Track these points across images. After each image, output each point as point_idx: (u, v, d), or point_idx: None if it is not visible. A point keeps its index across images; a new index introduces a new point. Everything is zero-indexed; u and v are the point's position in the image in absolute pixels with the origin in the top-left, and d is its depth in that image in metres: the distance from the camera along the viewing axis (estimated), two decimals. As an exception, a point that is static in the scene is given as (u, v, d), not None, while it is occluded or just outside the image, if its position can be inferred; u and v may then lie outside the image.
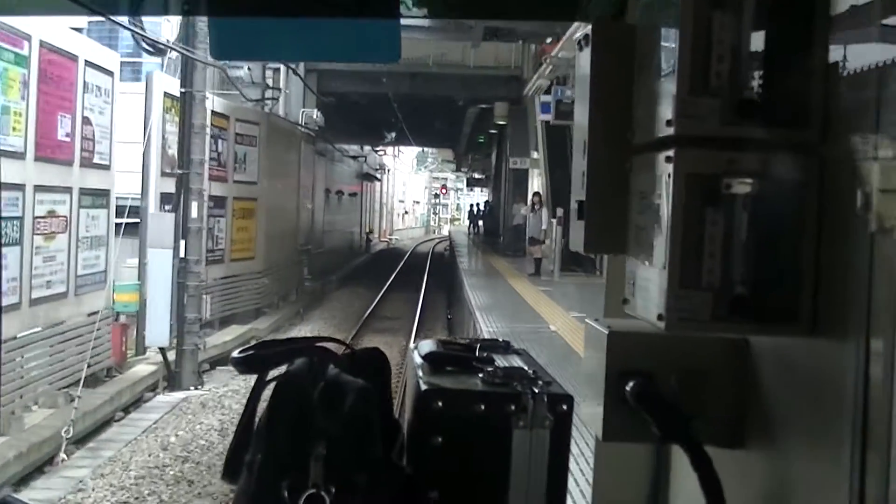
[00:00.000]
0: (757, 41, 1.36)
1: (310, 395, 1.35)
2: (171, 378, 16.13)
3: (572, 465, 1.47)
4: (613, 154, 1.58)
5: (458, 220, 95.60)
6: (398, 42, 1.93)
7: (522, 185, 35.00)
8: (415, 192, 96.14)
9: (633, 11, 1.66)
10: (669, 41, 1.40)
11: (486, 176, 56.76)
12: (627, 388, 1.53)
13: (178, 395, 15.62)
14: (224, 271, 22.75)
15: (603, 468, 1.93)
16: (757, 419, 1.53)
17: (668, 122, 1.37)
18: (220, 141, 22.19)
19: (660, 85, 1.43)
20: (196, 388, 16.11)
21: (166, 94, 17.79)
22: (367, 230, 56.28)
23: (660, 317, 1.38)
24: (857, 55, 1.31)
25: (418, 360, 1.53)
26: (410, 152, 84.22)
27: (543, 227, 24.04)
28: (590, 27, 1.64)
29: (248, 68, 24.56)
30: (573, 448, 1.43)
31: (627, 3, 1.70)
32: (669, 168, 1.36)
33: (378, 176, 61.91)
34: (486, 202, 53.24)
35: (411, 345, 1.67)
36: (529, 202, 27.13)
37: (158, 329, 15.97)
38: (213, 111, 21.68)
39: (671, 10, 1.39)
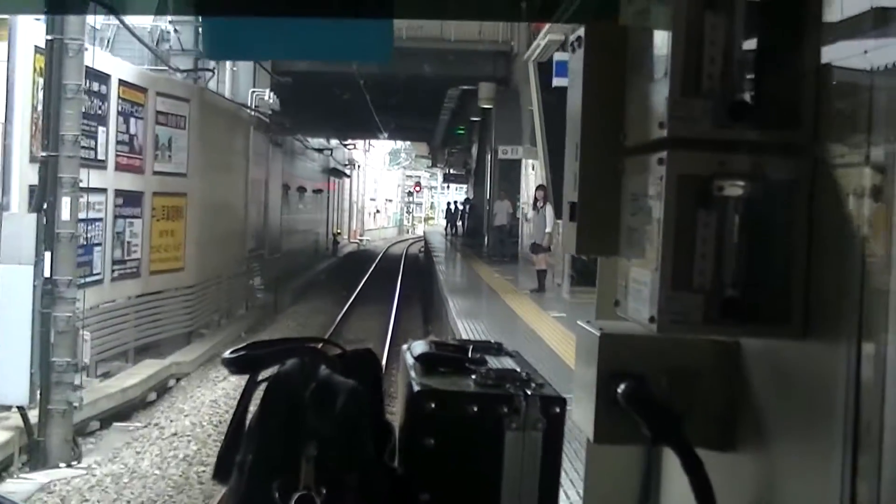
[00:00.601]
0: (749, 43, 1.36)
1: (301, 396, 1.35)
2: (31, 450, 11.25)
3: (565, 465, 1.45)
4: (605, 156, 1.57)
5: (433, 219, 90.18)
6: (390, 41, 2.09)
7: (512, 179, 30.55)
8: (387, 190, 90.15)
9: (626, 13, 1.63)
10: (661, 43, 1.40)
11: (466, 171, 51.41)
12: (619, 391, 1.52)
13: (37, 479, 10.71)
14: (141, 287, 17.94)
15: (594, 470, 1.92)
16: (748, 421, 1.52)
17: (661, 124, 1.37)
18: (133, 120, 17.32)
19: (652, 87, 1.43)
20: (69, 466, 11.24)
21: (39, 50, 12.79)
22: (335, 231, 51.18)
23: (651, 319, 1.38)
24: (849, 57, 1.31)
25: (411, 360, 1.53)
26: (382, 147, 79.37)
27: (548, 229, 19.06)
28: (582, 28, 1.63)
29: (176, 30, 19.60)
30: (565, 450, 1.43)
31: (620, 5, 1.66)
32: (661, 170, 1.36)
33: (347, 172, 57.21)
34: (467, 200, 48.23)
35: (404, 346, 1.65)
36: (531, 198, 22.09)
37: (14, 380, 11.03)
38: (124, 81, 16.84)
39: (663, 11, 1.39)
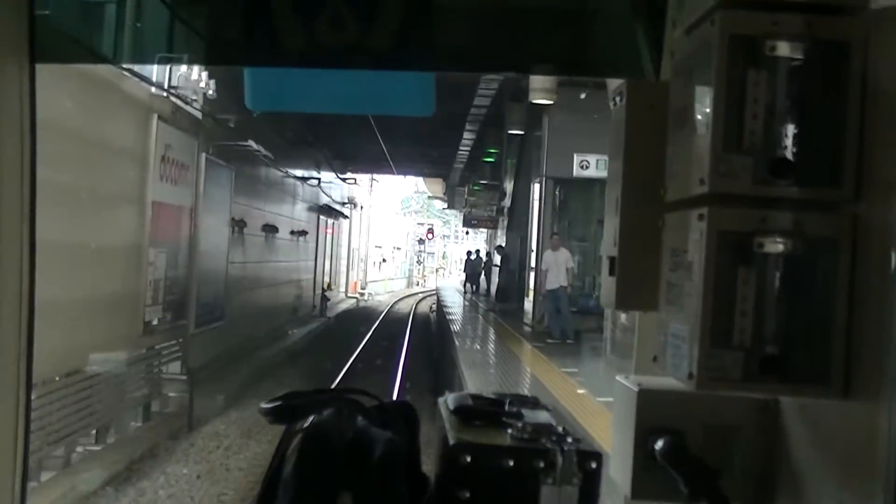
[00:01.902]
0: (791, 99, 1.36)
1: (337, 447, 1.37)
2: None
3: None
4: (646, 211, 1.58)
5: (444, 268, 79.09)
6: (432, 95, 2.07)
7: (577, 210, 20.48)
8: (395, 237, 76.38)
9: (667, 68, 1.66)
10: (703, 99, 1.41)
11: (497, 210, 36.26)
12: (656, 447, 1.52)
13: None
14: None
15: None
16: (786, 479, 1.51)
17: (702, 180, 1.37)
18: None
19: (693, 142, 1.43)
20: None
21: None
22: (325, 284, 38.83)
23: (690, 375, 1.38)
24: (892, 114, 1.30)
25: (447, 413, 1.54)
26: (389, 185, 65.32)
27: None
28: (624, 82, 1.64)
29: None
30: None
31: (661, 61, 1.70)
32: (702, 226, 1.37)
33: (344, 212, 42.92)
34: (500, 247, 35.15)
35: (441, 398, 1.65)
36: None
37: None
38: None
39: (705, 67, 1.39)
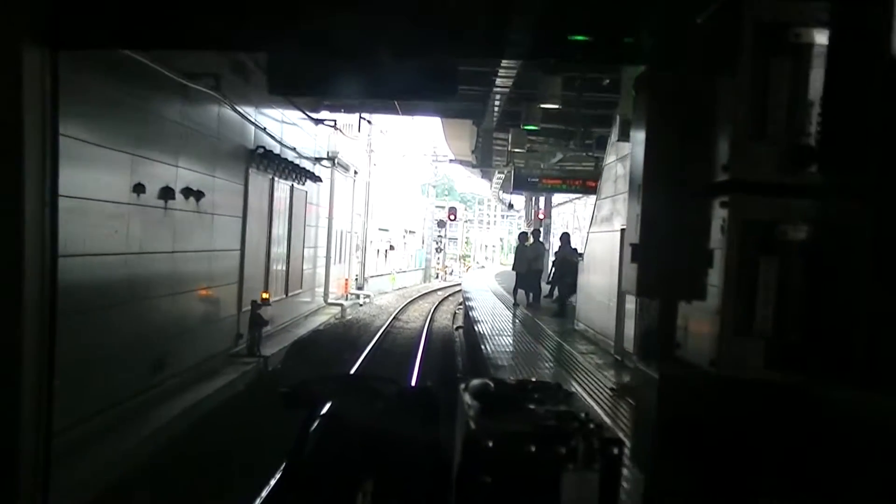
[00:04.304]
0: (814, 87, 1.36)
1: (358, 433, 1.38)
2: None
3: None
4: (668, 198, 1.59)
5: (469, 256, 62.99)
6: (455, 80, 2.04)
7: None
8: (408, 216, 49.76)
9: (690, 57, 1.67)
10: (726, 87, 1.41)
11: (599, 162, 15.66)
12: (678, 434, 1.54)
13: None
14: None
15: None
16: (808, 466, 1.52)
17: (725, 168, 1.39)
18: None
19: (716, 131, 1.44)
20: None
21: None
22: (262, 294, 14.45)
23: (712, 363, 1.40)
24: None
25: (469, 398, 1.55)
26: (403, 150, 42.30)
27: None
28: (646, 70, 1.66)
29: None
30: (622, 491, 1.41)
31: (683, 49, 1.70)
32: (724, 213, 1.37)
33: (316, 174, 20.51)
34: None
35: (461, 384, 1.64)
36: None
37: None
38: None
39: (729, 55, 1.40)
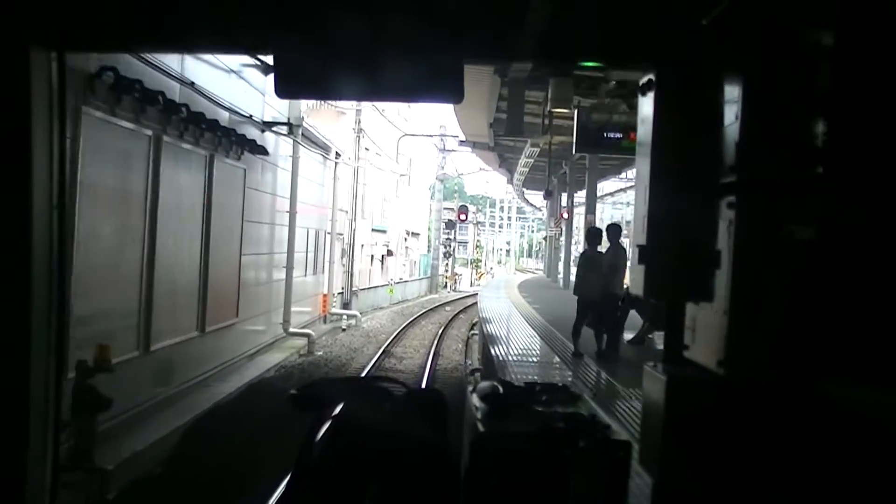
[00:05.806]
0: (822, 88, 1.38)
1: (367, 435, 1.38)
2: None
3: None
4: (675, 199, 1.60)
5: (480, 261, 54.48)
6: (461, 82, 2.02)
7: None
8: (411, 216, 39.77)
9: (698, 58, 1.68)
10: (734, 88, 1.42)
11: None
12: (686, 434, 1.54)
13: None
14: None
15: None
16: (820, 466, 1.52)
17: (731, 168, 1.40)
18: None
19: (723, 131, 1.46)
20: None
21: None
22: (99, 348, 5.37)
23: (720, 363, 1.40)
24: None
25: (477, 401, 1.55)
26: (401, 137, 31.69)
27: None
28: (653, 73, 1.66)
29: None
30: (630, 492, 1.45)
31: (690, 51, 1.71)
32: (731, 213, 1.38)
33: (264, 145, 11.27)
34: None
35: (470, 387, 1.65)
36: None
37: None
38: None
39: (737, 57, 1.41)
